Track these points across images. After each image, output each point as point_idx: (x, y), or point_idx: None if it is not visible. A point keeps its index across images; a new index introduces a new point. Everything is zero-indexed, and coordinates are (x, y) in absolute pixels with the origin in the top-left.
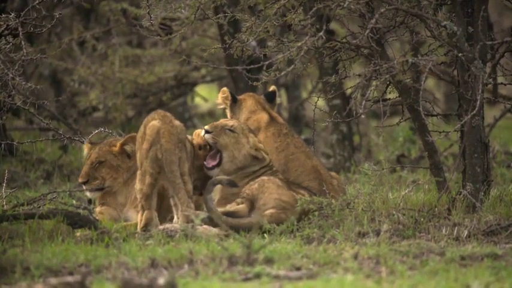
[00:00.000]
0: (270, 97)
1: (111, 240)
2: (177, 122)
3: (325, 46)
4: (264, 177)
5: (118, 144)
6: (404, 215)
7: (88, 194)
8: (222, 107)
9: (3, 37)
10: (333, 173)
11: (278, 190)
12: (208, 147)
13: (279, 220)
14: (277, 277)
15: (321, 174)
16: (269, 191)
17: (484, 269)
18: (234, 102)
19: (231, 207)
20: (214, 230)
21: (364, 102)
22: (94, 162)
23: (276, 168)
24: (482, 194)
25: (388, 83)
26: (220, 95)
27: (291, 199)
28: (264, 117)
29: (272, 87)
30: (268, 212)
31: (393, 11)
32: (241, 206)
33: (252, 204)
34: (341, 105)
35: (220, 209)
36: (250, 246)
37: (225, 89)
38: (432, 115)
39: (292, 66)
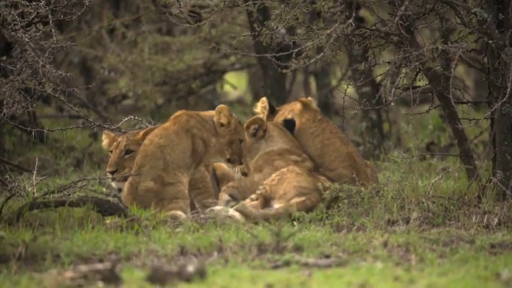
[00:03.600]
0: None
1: (140, 228)
2: None
3: (355, 33)
4: (284, 169)
5: (141, 134)
6: (434, 202)
7: (114, 184)
8: (259, 115)
9: (33, 25)
10: (368, 162)
11: (297, 178)
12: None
13: (305, 207)
14: (306, 265)
15: (355, 161)
16: (288, 180)
17: None
18: (272, 112)
19: (244, 203)
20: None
21: (393, 89)
22: (123, 151)
23: (306, 154)
24: None
25: (417, 70)
26: (259, 105)
27: (311, 184)
28: (297, 105)
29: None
30: (293, 201)
31: None
32: (254, 203)
33: (266, 201)
34: (370, 93)
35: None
36: (280, 234)
37: (264, 99)
38: (462, 102)
39: (322, 53)
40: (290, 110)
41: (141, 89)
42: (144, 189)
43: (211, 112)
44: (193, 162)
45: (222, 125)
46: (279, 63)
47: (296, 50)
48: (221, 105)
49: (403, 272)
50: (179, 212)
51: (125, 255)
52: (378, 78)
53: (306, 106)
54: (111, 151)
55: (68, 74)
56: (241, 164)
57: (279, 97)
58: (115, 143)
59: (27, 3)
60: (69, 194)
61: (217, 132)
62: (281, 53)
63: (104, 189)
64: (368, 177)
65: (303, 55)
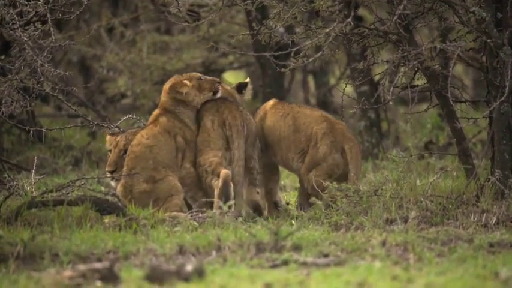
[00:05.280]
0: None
1: (139, 227)
2: None
3: (353, 32)
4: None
5: None
6: (432, 201)
7: (113, 183)
8: None
9: (32, 24)
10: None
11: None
12: None
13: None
14: (304, 264)
15: (328, 118)
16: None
17: None
18: None
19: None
20: None
21: (392, 88)
22: (122, 150)
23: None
24: (511, 180)
25: (416, 69)
26: None
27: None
28: (269, 102)
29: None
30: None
31: None
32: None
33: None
34: (369, 92)
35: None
36: (278, 233)
37: None
38: (460, 101)
39: (320, 52)
40: (263, 107)
41: (140, 88)
42: (138, 191)
43: (163, 95)
44: (179, 161)
45: (186, 93)
46: (277, 62)
47: (295, 49)
48: (168, 85)
49: (402, 271)
50: (180, 213)
51: (124, 254)
52: (377, 77)
53: (278, 101)
54: (110, 150)
55: (67, 73)
56: (220, 83)
57: (277, 96)
58: (114, 142)
59: (26, 2)
60: (68, 193)
61: (188, 104)
62: (280, 52)
63: (103, 188)
64: (344, 133)
65: (301, 54)
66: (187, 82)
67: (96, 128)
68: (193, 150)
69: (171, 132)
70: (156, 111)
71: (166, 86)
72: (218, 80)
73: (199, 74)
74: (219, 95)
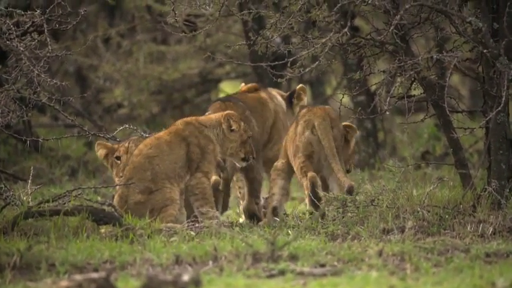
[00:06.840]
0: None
1: (135, 237)
2: None
3: (350, 42)
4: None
5: None
6: (429, 211)
7: None
8: None
9: (28, 34)
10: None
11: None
12: None
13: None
14: (301, 274)
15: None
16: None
17: (509, 265)
18: None
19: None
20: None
21: (388, 98)
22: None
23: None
24: (508, 190)
25: (412, 79)
26: None
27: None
28: None
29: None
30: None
31: (418, 7)
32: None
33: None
34: (365, 102)
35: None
36: (275, 243)
37: None
38: (457, 111)
39: (317, 62)
40: None
41: (136, 98)
42: (133, 202)
43: (211, 117)
44: (188, 171)
45: (232, 130)
46: (274, 72)
47: (291, 59)
48: (228, 112)
49: (398, 281)
50: (174, 225)
51: (120, 264)
52: (373, 87)
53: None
54: (118, 157)
55: (63, 83)
56: (253, 159)
57: None
58: (123, 148)
59: (23, 13)
60: (64, 203)
61: (224, 138)
62: (276, 62)
63: (99, 198)
64: (315, 112)
65: (298, 64)
66: (242, 125)
67: (93, 138)
68: (211, 163)
69: (184, 140)
70: (180, 120)
71: (228, 111)
72: (254, 157)
73: (251, 135)
74: (240, 165)
